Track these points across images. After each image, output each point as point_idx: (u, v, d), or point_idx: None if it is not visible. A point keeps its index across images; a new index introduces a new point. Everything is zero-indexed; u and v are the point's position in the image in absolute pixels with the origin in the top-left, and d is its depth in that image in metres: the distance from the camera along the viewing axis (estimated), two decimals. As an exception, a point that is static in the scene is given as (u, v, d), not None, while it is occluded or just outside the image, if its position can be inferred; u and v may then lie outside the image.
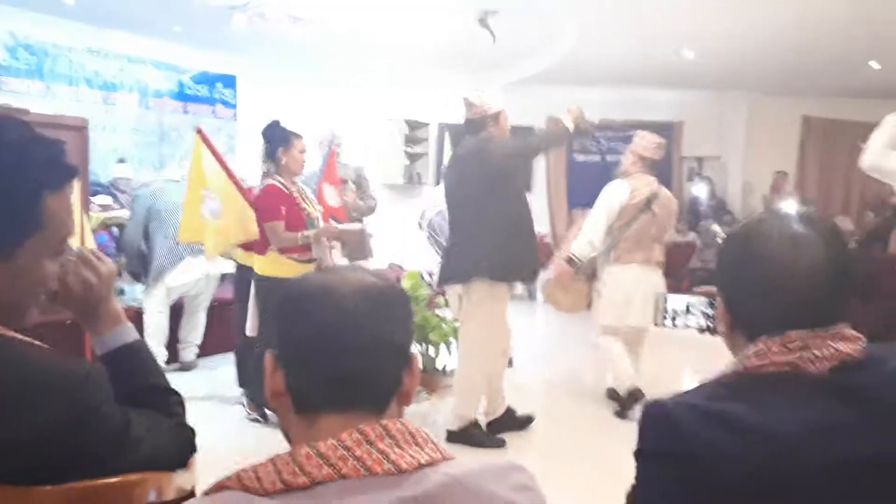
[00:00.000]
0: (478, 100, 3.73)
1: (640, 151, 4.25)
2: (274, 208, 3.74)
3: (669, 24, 6.51)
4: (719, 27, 6.53)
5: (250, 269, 4.15)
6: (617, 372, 4.27)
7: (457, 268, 3.63)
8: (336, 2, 6.02)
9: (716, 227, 7.95)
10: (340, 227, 4.15)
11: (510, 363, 4.89)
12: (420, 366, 4.00)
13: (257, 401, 3.95)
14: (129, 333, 1.13)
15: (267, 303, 3.77)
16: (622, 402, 4.23)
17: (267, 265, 3.79)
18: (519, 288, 3.81)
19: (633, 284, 4.14)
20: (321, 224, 3.89)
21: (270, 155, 3.86)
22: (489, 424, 3.87)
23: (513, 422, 3.93)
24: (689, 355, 5.37)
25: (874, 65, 7.78)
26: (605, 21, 6.45)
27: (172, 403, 1.14)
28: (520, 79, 8.50)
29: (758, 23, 6.31)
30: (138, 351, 1.14)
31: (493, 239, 3.49)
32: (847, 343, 0.96)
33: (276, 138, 3.82)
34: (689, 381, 5.24)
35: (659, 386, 4.55)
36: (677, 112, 9.65)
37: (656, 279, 4.23)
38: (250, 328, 3.86)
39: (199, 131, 4.27)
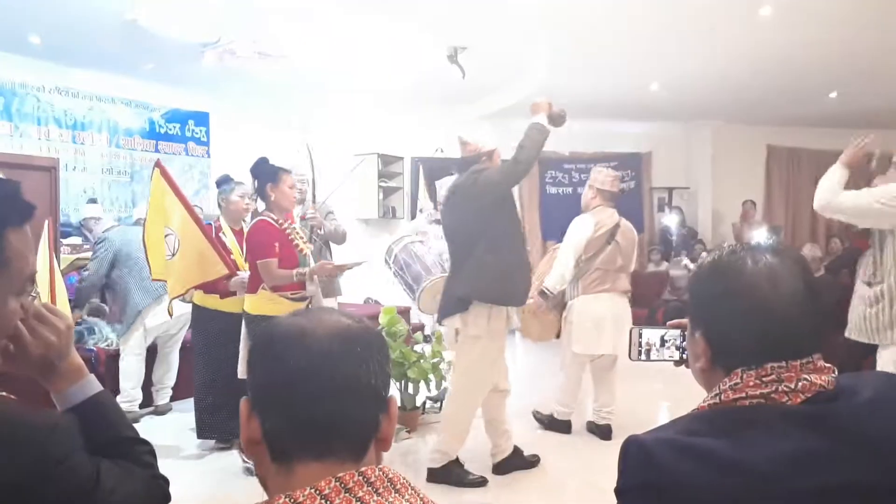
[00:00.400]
0: (471, 139, 3.81)
1: (599, 185, 4.41)
2: (267, 245, 3.64)
3: (635, 59, 6.66)
4: (683, 60, 6.70)
5: (211, 310, 4.11)
6: (563, 397, 4.48)
7: (454, 299, 3.59)
8: (306, 39, 6.07)
9: (687, 261, 8.07)
10: (338, 263, 4.10)
11: None
12: (398, 404, 3.97)
13: None
14: (92, 386, 1.10)
15: None
16: (549, 419, 4.56)
17: (259, 304, 3.67)
18: (515, 321, 3.85)
19: (602, 313, 4.25)
20: (312, 260, 3.84)
21: (259, 192, 3.82)
22: (497, 465, 3.83)
23: (521, 461, 3.90)
24: (666, 387, 5.41)
25: (833, 95, 8.02)
26: (572, 57, 6.58)
27: (143, 453, 1.11)
28: (490, 112, 8.61)
29: (720, 55, 6.48)
30: (102, 403, 1.10)
31: (489, 263, 3.50)
32: (819, 374, 0.98)
33: (264, 174, 3.76)
34: (665, 412, 5.25)
35: (636, 417, 4.57)
36: (645, 143, 9.84)
37: (624, 308, 4.35)
38: (242, 370, 3.74)
39: (159, 164, 4.16)
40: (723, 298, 1.03)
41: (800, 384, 0.97)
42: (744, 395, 0.98)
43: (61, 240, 5.48)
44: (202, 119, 8.18)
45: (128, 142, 7.55)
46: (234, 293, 4.02)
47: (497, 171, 3.65)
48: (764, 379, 0.98)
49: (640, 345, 1.32)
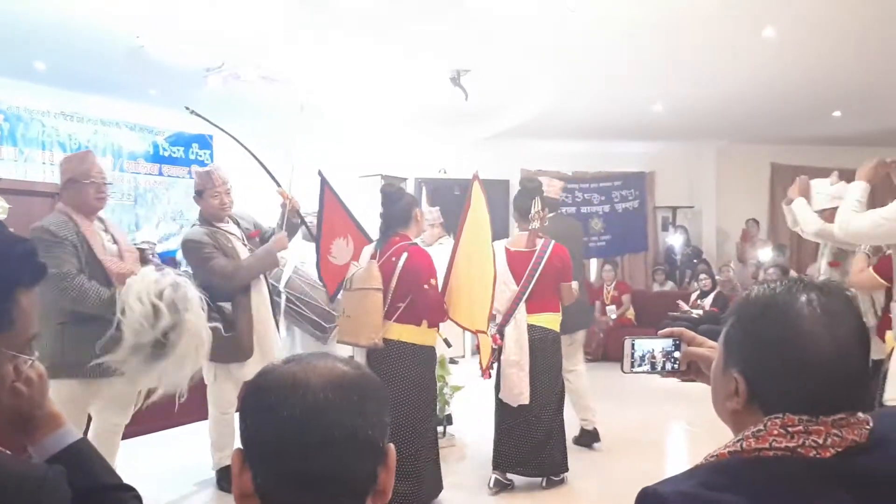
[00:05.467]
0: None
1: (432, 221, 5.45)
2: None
3: (638, 81, 6.67)
4: (686, 81, 6.71)
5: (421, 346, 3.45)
6: None
7: (583, 319, 4.67)
8: (310, 63, 6.10)
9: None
10: None
11: None
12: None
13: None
14: (70, 435, 1.07)
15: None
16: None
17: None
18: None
19: None
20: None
21: (525, 213, 3.93)
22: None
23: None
24: (676, 407, 5.37)
25: (837, 114, 8.01)
26: (575, 78, 6.60)
27: (129, 499, 1.08)
28: (494, 133, 8.63)
29: (723, 75, 6.49)
30: (82, 451, 1.08)
31: None
32: (851, 429, 0.91)
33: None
34: (677, 434, 5.20)
35: (650, 435, 4.52)
36: (649, 163, 9.83)
37: None
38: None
39: (476, 177, 3.56)
40: (776, 344, 0.95)
41: (829, 440, 0.90)
42: (767, 445, 0.91)
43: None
44: (206, 142, 8.21)
45: (132, 165, 7.58)
46: None
47: None
48: (790, 429, 0.91)
49: (632, 356, 1.28)
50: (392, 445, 0.87)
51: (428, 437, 3.45)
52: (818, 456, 0.89)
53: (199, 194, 3.83)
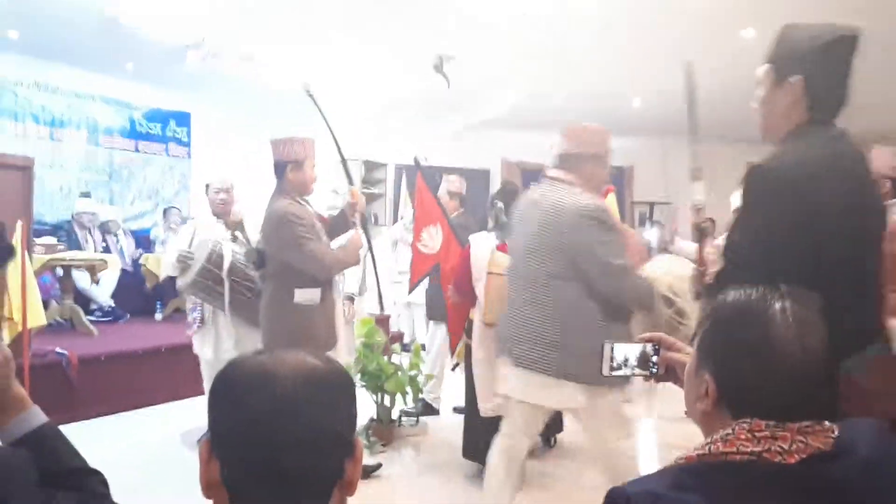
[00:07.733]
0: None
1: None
2: None
3: (618, 75, 6.71)
4: (666, 78, 6.72)
5: None
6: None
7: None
8: (290, 44, 6.03)
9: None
10: None
11: None
12: (374, 416, 3.82)
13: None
14: (35, 418, 1.06)
15: None
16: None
17: None
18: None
19: None
20: None
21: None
22: None
23: None
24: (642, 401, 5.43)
25: (813, 116, 8.13)
26: (556, 71, 6.60)
27: (95, 483, 1.08)
28: (474, 123, 8.62)
29: (702, 73, 6.50)
30: (48, 435, 1.07)
31: None
32: (816, 437, 0.93)
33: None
34: (642, 429, 5.27)
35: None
36: (627, 157, 9.89)
37: None
38: None
39: (612, 189, 3.88)
40: (746, 349, 0.97)
41: (794, 446, 0.92)
42: (734, 449, 0.93)
43: (35, 239, 5.37)
44: (184, 119, 8.09)
45: (107, 140, 7.46)
46: None
47: None
48: (757, 434, 0.93)
49: (611, 360, 1.30)
50: (359, 438, 0.88)
51: None
52: (783, 461, 0.91)
53: (296, 164, 3.27)
